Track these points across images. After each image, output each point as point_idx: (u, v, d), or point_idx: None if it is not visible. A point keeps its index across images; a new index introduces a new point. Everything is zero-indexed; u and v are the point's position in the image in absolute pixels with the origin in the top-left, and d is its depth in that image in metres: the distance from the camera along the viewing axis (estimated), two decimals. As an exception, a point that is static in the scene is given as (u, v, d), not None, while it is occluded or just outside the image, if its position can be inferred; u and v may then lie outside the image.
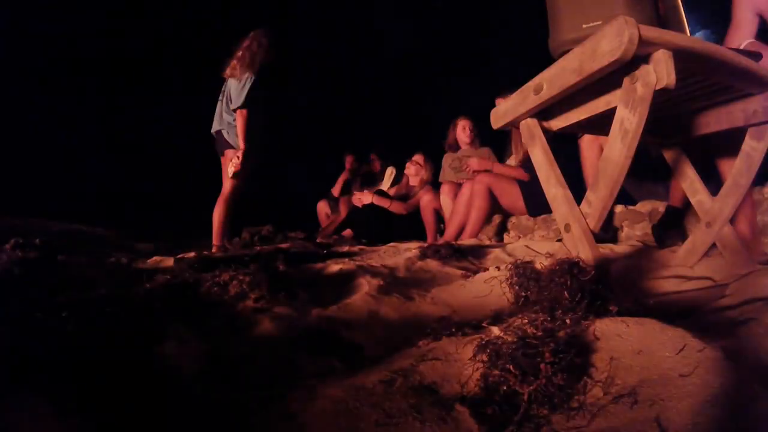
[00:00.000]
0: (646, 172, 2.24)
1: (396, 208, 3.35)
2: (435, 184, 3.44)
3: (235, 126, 2.79)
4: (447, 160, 3.51)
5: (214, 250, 2.52)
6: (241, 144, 2.74)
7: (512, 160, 3.01)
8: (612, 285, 0.81)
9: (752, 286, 0.94)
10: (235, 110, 2.75)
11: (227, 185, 2.83)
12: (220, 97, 2.92)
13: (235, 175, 2.75)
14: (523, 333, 0.57)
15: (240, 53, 2.81)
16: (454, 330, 0.72)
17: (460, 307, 1.01)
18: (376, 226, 3.23)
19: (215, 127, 2.92)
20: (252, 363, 0.74)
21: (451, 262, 1.50)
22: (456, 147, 3.45)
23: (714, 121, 1.18)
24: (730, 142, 1.25)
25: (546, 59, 1.04)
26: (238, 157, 2.72)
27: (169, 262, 1.61)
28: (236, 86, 2.75)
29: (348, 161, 4.48)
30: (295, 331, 0.86)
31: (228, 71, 2.84)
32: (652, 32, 0.77)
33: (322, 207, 4.28)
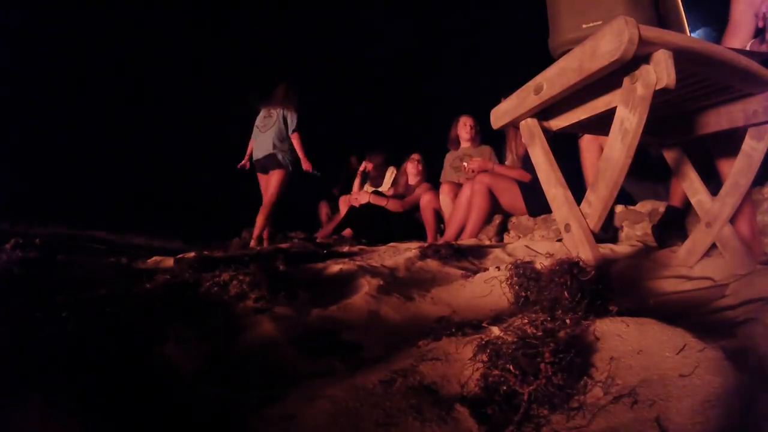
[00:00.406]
0: (646, 172, 2.24)
1: (393, 205, 3.37)
2: (435, 184, 3.44)
3: (284, 150, 3.67)
4: (449, 159, 3.51)
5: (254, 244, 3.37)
6: (304, 158, 3.67)
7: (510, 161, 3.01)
8: (612, 285, 0.81)
9: (752, 286, 0.94)
10: (287, 135, 3.69)
11: (271, 197, 3.61)
12: (262, 129, 3.74)
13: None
14: (523, 333, 0.57)
15: (288, 94, 3.78)
16: (454, 330, 0.71)
17: (460, 307, 1.00)
18: (376, 226, 3.23)
19: (268, 150, 3.65)
20: (252, 363, 0.74)
21: (451, 262, 1.50)
22: (458, 144, 3.45)
23: (714, 121, 1.18)
24: (730, 142, 1.25)
25: (546, 59, 1.04)
26: (310, 168, 3.70)
27: (169, 262, 1.61)
28: (291, 118, 3.69)
29: (355, 162, 4.42)
30: (295, 331, 0.86)
31: (282, 106, 3.74)
32: (652, 32, 0.76)
33: (322, 207, 4.27)
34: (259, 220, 3.57)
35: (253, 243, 3.42)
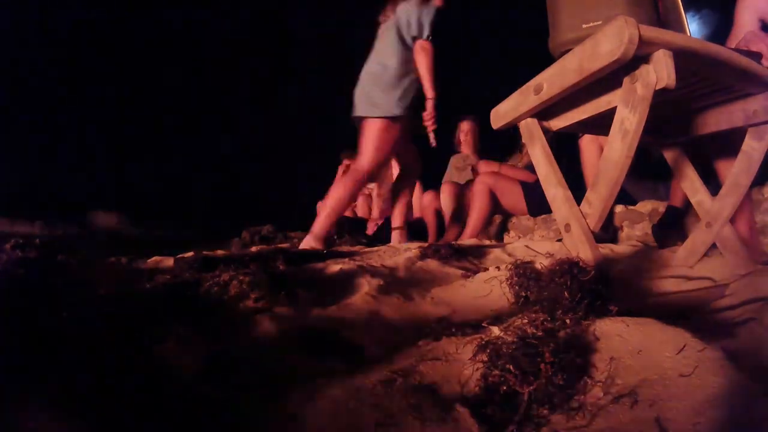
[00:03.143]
0: (646, 172, 2.24)
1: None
2: (438, 184, 3.44)
3: (375, 85, 1.97)
4: (453, 160, 3.52)
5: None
6: (429, 90, 1.95)
7: (515, 159, 3.01)
8: (612, 285, 0.81)
9: (752, 286, 0.94)
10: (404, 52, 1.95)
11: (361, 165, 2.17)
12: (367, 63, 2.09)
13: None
14: (523, 333, 0.57)
15: None
16: (454, 330, 0.71)
17: (460, 307, 1.00)
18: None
19: (357, 97, 2.13)
20: (252, 363, 0.74)
21: (451, 262, 1.50)
22: (460, 146, 3.48)
23: (714, 121, 1.18)
24: (730, 142, 1.25)
25: (546, 59, 1.04)
26: (429, 111, 1.94)
27: (169, 262, 1.61)
28: (413, 13, 1.99)
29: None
30: (295, 331, 0.86)
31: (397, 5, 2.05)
32: (652, 32, 0.77)
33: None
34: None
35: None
